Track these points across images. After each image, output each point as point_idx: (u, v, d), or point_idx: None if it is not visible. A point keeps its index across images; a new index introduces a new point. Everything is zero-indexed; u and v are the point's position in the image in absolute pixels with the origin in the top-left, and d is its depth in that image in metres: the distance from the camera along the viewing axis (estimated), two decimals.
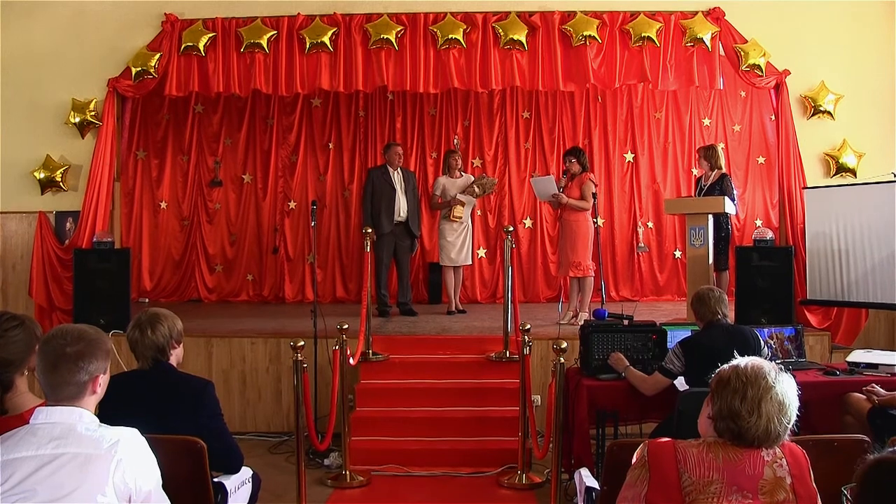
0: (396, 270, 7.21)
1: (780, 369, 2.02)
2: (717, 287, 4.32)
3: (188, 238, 8.55)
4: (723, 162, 6.54)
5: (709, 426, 2.03)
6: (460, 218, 7.03)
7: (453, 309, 7.12)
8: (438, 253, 7.26)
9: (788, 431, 1.98)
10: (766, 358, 2.53)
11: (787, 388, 1.97)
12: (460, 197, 7.00)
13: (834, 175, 6.35)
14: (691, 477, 1.92)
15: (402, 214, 6.96)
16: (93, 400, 2.04)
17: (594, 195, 6.31)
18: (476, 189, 7.07)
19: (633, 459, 2.04)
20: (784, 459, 1.95)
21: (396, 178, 7.00)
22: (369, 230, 5.96)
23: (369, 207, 6.94)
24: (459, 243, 7.07)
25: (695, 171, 8.01)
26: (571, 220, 6.32)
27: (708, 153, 6.40)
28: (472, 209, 7.39)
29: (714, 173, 6.31)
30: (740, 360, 2.03)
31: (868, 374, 4.18)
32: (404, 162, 8.22)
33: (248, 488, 3.07)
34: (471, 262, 7.37)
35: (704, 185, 6.32)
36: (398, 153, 7.12)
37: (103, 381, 2.06)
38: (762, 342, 3.91)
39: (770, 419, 1.92)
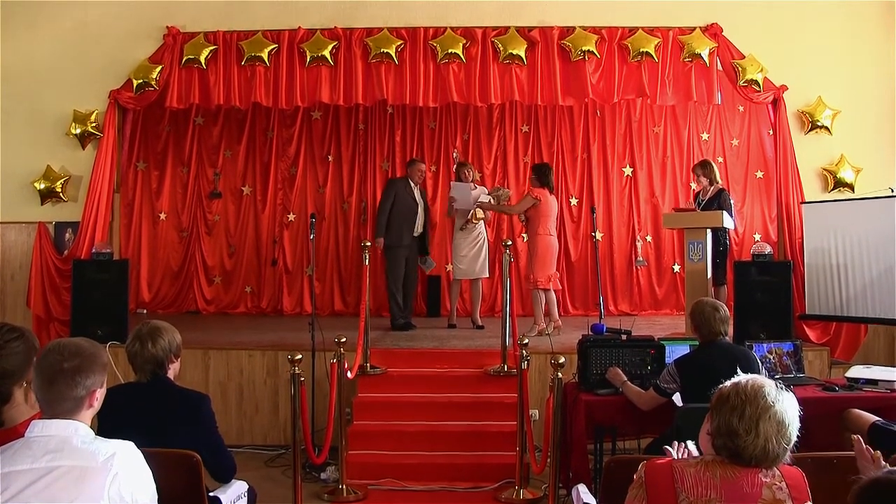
0: (403, 284, 7.19)
1: (782, 388, 1.99)
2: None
3: (187, 249, 8.55)
4: (719, 176, 6.58)
5: (708, 443, 2.02)
6: (482, 219, 7.03)
7: (454, 322, 7.10)
8: (452, 266, 7.22)
9: (789, 452, 1.95)
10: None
11: (787, 408, 1.94)
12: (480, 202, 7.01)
13: (832, 190, 6.36)
14: (689, 497, 1.91)
15: (418, 229, 7.02)
16: (89, 413, 2.03)
17: (593, 210, 6.43)
18: (492, 200, 7.07)
19: (633, 478, 2.04)
20: (784, 482, 1.92)
21: (417, 193, 7.06)
22: (369, 244, 5.96)
23: (387, 217, 6.91)
24: (472, 255, 7.02)
25: (693, 186, 8.02)
26: (528, 234, 6.65)
27: (705, 169, 6.44)
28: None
29: (712, 188, 6.34)
30: (742, 378, 2.01)
31: (868, 390, 4.17)
32: (403, 174, 8.24)
33: (244, 502, 3.06)
34: (487, 275, 7.29)
35: (703, 200, 6.35)
36: (421, 170, 7.22)
37: (100, 394, 2.05)
38: (759, 364, 3.84)
39: (768, 439, 1.90)
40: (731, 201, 6.44)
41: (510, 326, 5.51)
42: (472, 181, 7.17)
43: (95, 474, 1.87)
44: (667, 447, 2.26)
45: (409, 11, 6.51)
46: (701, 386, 3.38)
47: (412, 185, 7.06)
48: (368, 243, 5.98)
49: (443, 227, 8.15)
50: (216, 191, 8.55)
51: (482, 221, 7.10)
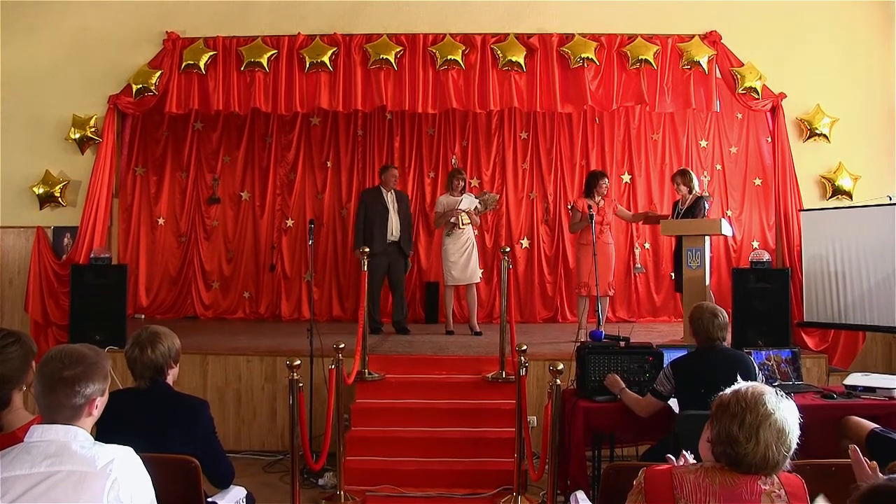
0: (391, 289, 7.20)
1: (782, 395, 1.99)
2: None
3: (185, 254, 8.54)
4: (697, 185, 6.62)
5: (708, 450, 2.02)
6: (469, 224, 7.00)
7: (451, 329, 7.08)
8: (443, 273, 7.21)
9: (788, 460, 1.95)
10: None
11: (787, 415, 1.94)
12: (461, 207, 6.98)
13: (830, 197, 6.39)
14: (688, 503, 1.91)
15: (394, 234, 7.03)
16: (89, 421, 2.03)
17: (592, 217, 6.49)
18: (479, 205, 7.07)
19: (633, 484, 2.04)
20: (783, 490, 1.93)
21: (389, 198, 7.07)
22: (366, 249, 5.96)
23: (362, 227, 7.01)
24: (462, 261, 6.99)
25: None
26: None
27: (685, 178, 6.50)
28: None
29: (691, 196, 6.39)
30: (742, 385, 2.00)
31: (866, 398, 4.17)
32: (402, 182, 8.25)
33: None
34: (479, 279, 7.26)
35: (681, 210, 6.39)
36: (394, 175, 7.24)
37: (100, 402, 2.05)
38: (756, 368, 3.84)
39: (768, 446, 1.90)
40: (707, 208, 6.46)
41: (508, 333, 5.51)
42: (460, 190, 7.07)
43: (94, 479, 1.87)
44: (669, 456, 2.26)
45: (409, 18, 6.53)
46: (696, 389, 3.41)
47: (384, 192, 7.09)
48: (367, 249, 5.99)
49: (440, 234, 8.14)
50: (215, 196, 8.55)
51: (469, 226, 7.09)
